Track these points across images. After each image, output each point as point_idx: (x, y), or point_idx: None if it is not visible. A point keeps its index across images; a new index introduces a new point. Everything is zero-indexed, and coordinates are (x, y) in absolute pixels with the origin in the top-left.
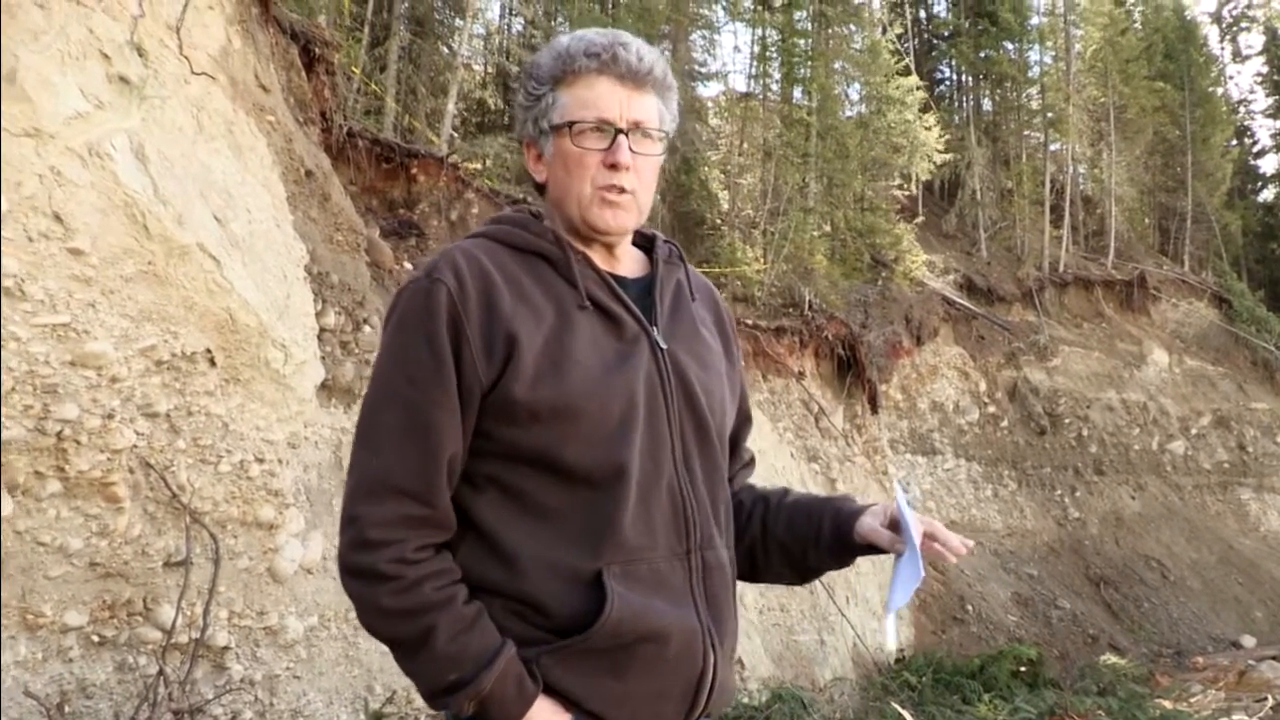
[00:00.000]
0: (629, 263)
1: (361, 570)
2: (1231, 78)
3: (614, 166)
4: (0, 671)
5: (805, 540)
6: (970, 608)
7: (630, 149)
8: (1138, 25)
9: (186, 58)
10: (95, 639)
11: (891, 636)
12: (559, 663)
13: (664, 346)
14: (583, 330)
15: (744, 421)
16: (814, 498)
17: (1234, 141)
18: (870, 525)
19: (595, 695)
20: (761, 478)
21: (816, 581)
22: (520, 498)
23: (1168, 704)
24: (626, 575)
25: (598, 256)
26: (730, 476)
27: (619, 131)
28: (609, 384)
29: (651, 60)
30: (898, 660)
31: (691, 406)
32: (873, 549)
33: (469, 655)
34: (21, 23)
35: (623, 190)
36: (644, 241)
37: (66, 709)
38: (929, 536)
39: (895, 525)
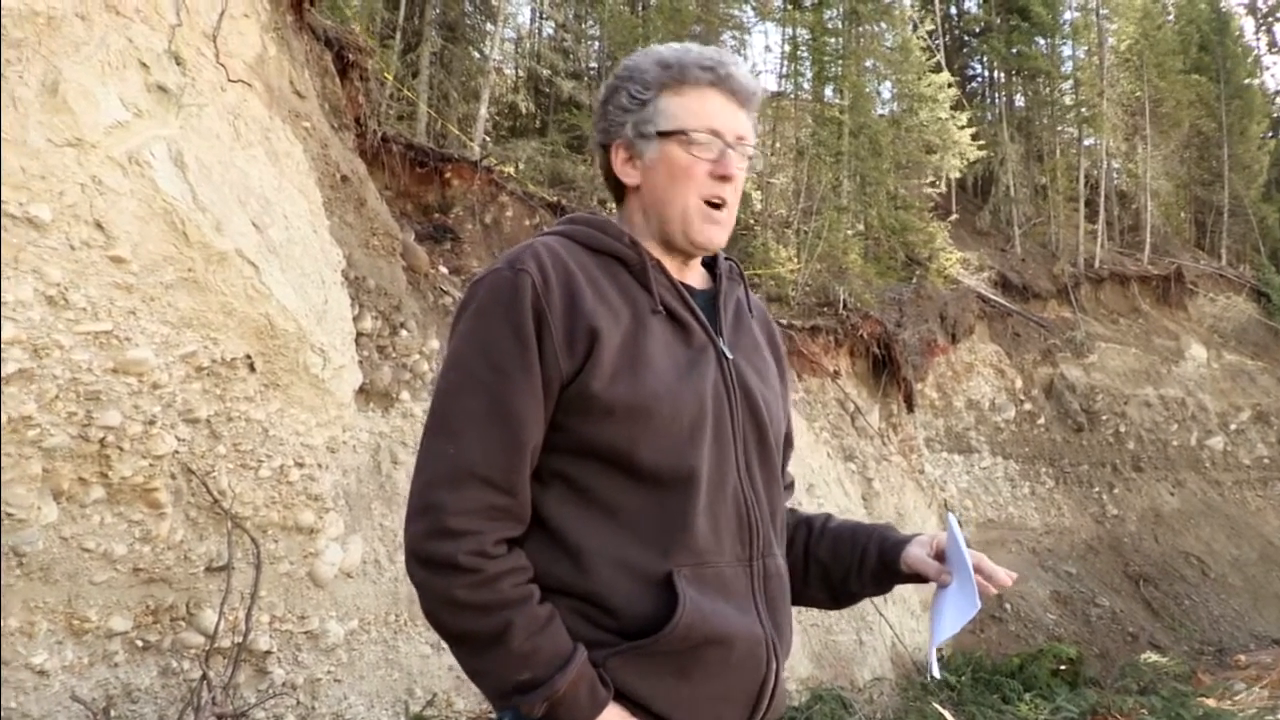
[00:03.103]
0: (695, 275)
1: (437, 560)
2: (1268, 68)
3: (724, 178)
4: (0, 670)
5: (848, 566)
6: (1009, 606)
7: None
8: (1172, 18)
9: (223, 65)
10: (139, 644)
11: (935, 667)
12: (626, 664)
13: (730, 356)
14: (656, 334)
15: (787, 445)
16: (857, 524)
17: (1271, 133)
18: (918, 555)
19: (661, 697)
20: (798, 477)
21: None
22: (588, 494)
23: (1211, 702)
24: (695, 578)
25: (670, 264)
26: None
27: (727, 145)
28: (680, 388)
29: (757, 86)
30: (938, 662)
31: (754, 416)
32: (917, 578)
33: (543, 656)
34: (64, 34)
35: (724, 203)
36: (707, 258)
37: (113, 713)
38: (975, 569)
39: (940, 556)
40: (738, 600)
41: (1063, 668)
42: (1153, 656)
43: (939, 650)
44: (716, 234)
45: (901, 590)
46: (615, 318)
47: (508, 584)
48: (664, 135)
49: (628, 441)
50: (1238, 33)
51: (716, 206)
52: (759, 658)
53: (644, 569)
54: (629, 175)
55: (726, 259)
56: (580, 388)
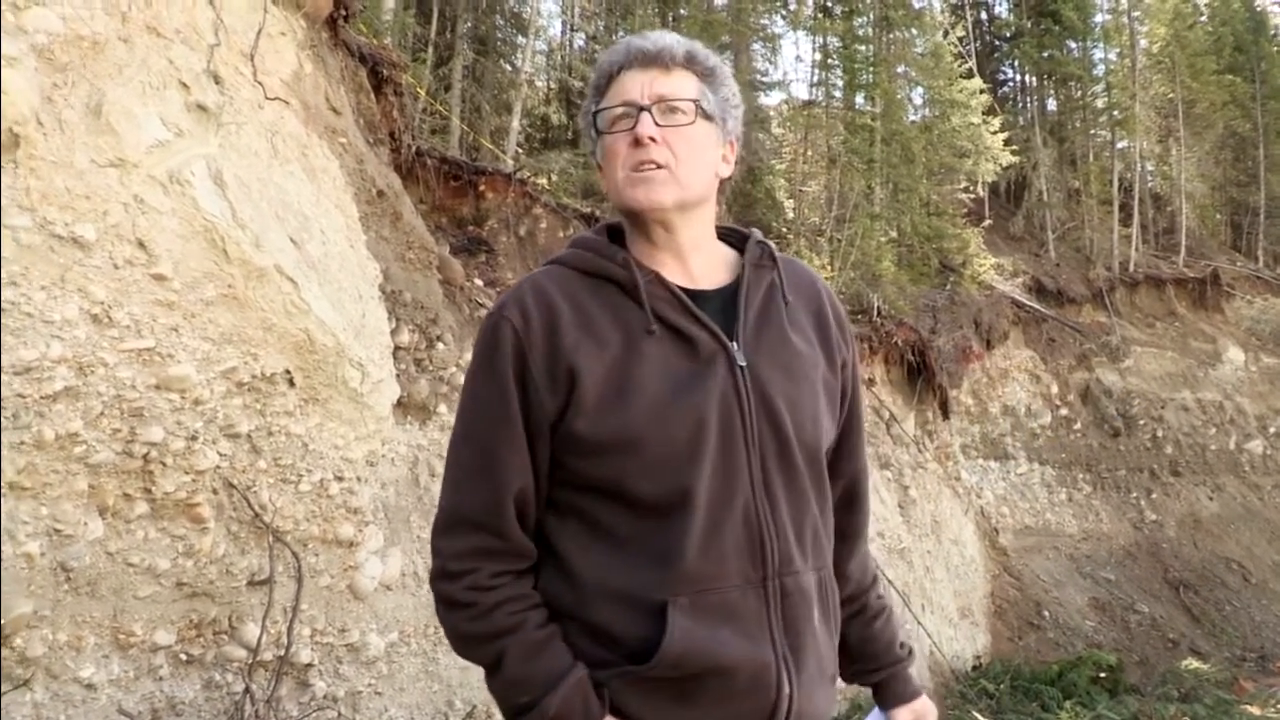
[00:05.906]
0: (713, 270)
1: (443, 598)
2: None
3: (637, 141)
4: (0, 674)
5: (861, 664)
6: (1047, 613)
7: (655, 122)
8: (1204, 19)
9: (260, 84)
10: (183, 657)
11: None
12: (627, 687)
13: (743, 363)
14: (651, 355)
15: (850, 431)
16: (886, 641)
17: None
18: None
19: None
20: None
21: (893, 589)
22: (596, 526)
23: (1255, 710)
24: (694, 606)
25: (673, 269)
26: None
27: (641, 109)
28: (675, 409)
29: (669, 43)
30: (975, 667)
31: (774, 425)
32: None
33: (536, 679)
34: (108, 57)
35: (655, 165)
36: (737, 240)
37: None
38: None
39: None
40: (745, 625)
41: (1102, 675)
42: (1194, 663)
43: None
44: (645, 191)
45: (939, 599)
46: (600, 348)
47: (501, 614)
48: (599, 132)
49: (620, 474)
50: (1273, 32)
51: (646, 168)
52: (767, 684)
53: (641, 598)
54: (602, 183)
55: (759, 242)
56: (567, 427)
